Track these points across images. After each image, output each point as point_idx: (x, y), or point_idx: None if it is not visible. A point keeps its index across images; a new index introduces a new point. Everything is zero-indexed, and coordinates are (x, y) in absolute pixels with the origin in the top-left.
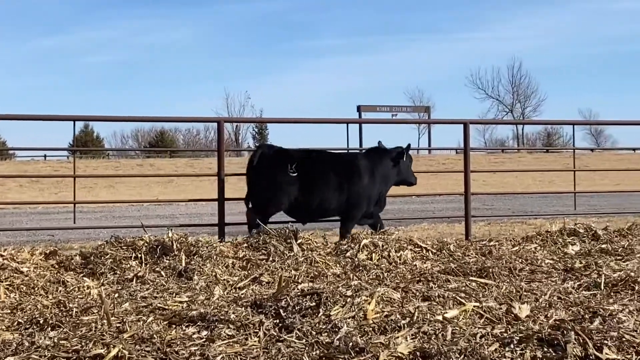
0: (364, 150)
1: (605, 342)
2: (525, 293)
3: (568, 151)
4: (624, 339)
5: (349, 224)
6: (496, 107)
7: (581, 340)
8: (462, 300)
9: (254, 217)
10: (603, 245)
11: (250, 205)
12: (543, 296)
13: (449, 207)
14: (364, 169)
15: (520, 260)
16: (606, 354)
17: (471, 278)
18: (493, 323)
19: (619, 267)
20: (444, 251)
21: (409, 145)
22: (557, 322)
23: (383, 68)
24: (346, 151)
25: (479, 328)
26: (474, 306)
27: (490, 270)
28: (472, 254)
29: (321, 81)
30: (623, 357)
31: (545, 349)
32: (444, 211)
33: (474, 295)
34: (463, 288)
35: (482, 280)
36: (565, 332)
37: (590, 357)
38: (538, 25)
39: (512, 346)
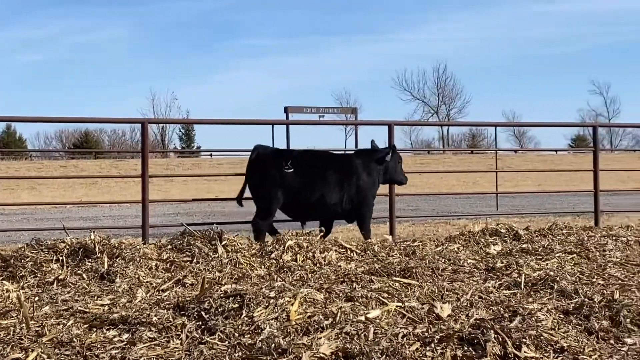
0: (354, 151)
1: (524, 340)
2: (447, 293)
3: (492, 152)
4: (542, 338)
5: (366, 224)
6: (422, 108)
7: (500, 339)
8: (385, 301)
9: (262, 223)
10: (524, 245)
11: (255, 214)
12: (465, 296)
13: (375, 208)
14: (361, 167)
15: (443, 261)
16: (525, 352)
17: (395, 278)
18: (415, 323)
19: (539, 266)
20: (369, 252)
21: (394, 145)
22: (478, 321)
23: (311, 69)
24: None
25: (400, 328)
26: (397, 306)
27: (414, 270)
28: (396, 254)
29: (249, 82)
30: (541, 355)
31: (466, 348)
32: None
33: (396, 295)
34: (386, 288)
35: (406, 281)
36: (485, 331)
37: (510, 356)
38: (464, 28)
39: (432, 345)
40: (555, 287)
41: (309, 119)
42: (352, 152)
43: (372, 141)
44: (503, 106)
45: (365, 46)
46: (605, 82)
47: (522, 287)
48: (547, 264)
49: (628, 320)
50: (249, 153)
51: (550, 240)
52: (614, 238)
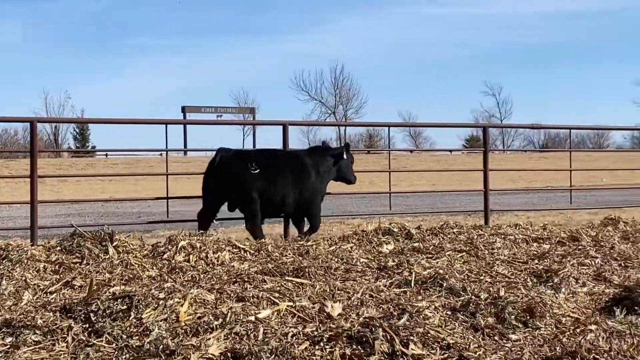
0: (308, 149)
1: (412, 338)
2: (338, 292)
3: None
4: (429, 335)
5: (315, 220)
6: (319, 108)
7: (389, 337)
8: (276, 301)
9: (255, 223)
10: (415, 244)
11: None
12: (355, 294)
13: None
14: (311, 166)
15: (336, 260)
16: (412, 349)
17: (287, 278)
18: (305, 322)
19: (430, 265)
20: (262, 252)
21: (348, 144)
22: (367, 320)
23: (210, 68)
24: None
25: (290, 327)
26: (288, 306)
27: (307, 270)
28: (289, 254)
29: (146, 81)
30: (428, 352)
31: (354, 346)
32: None
33: (288, 295)
34: (278, 288)
35: (298, 280)
36: (373, 329)
37: (397, 353)
38: (362, 29)
39: (322, 344)
40: (445, 285)
41: (207, 118)
42: (305, 150)
43: (324, 142)
44: (400, 107)
45: (263, 46)
46: (498, 83)
47: (413, 285)
48: (437, 263)
49: (513, 316)
50: (147, 153)
51: (441, 239)
52: (503, 236)
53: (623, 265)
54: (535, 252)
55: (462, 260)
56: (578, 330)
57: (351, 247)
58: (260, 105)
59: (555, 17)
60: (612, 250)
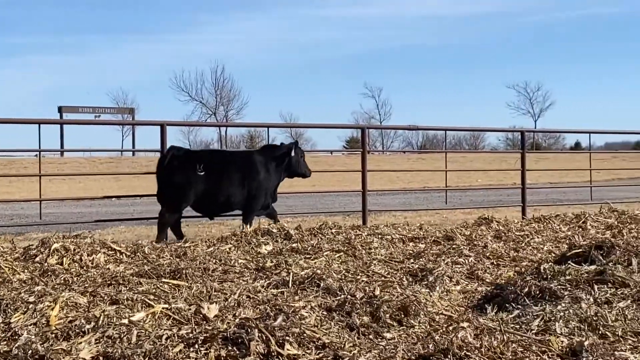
0: (258, 148)
1: (287, 338)
2: (215, 293)
3: None
4: (305, 335)
5: (250, 215)
6: (200, 109)
7: (264, 338)
8: (151, 303)
9: (170, 215)
10: (294, 245)
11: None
12: (233, 295)
13: (150, 210)
14: (260, 165)
15: (214, 261)
16: (287, 349)
17: (164, 280)
18: (181, 324)
19: (307, 265)
20: (139, 254)
21: (297, 142)
22: (242, 321)
23: (88, 68)
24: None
25: (165, 330)
26: (163, 308)
27: (184, 271)
28: (166, 255)
29: (23, 80)
30: (303, 352)
31: (230, 348)
32: (144, 213)
33: (164, 297)
34: (154, 290)
35: (175, 282)
36: (249, 330)
37: (273, 354)
38: (243, 30)
39: (197, 346)
40: (322, 285)
41: (85, 118)
42: (255, 149)
43: (282, 143)
44: (281, 108)
45: (144, 46)
46: (378, 85)
47: (290, 285)
48: (315, 263)
49: (388, 315)
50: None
51: (320, 240)
52: (380, 236)
53: (495, 263)
54: (411, 252)
55: (340, 260)
56: (451, 328)
57: (230, 249)
58: (140, 105)
59: (432, 20)
60: (484, 249)
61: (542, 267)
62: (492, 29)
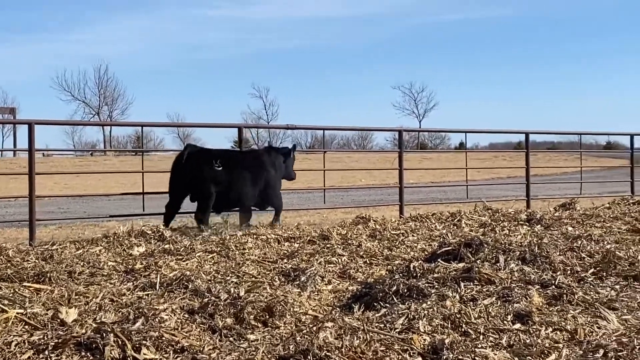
0: (264, 148)
1: (145, 342)
2: (76, 297)
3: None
4: (163, 338)
5: (276, 204)
6: (83, 109)
7: (120, 342)
8: (5, 308)
9: (204, 215)
10: (167, 246)
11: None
12: (95, 299)
13: (14, 212)
14: (269, 164)
15: (82, 264)
16: (144, 354)
17: (26, 284)
18: (35, 330)
19: (179, 266)
20: (2, 256)
21: (295, 145)
22: (99, 325)
23: None
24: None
25: (15, 336)
26: (18, 313)
27: (48, 274)
28: (32, 258)
29: None
30: (161, 356)
31: (84, 353)
32: (16, 215)
33: (20, 302)
34: (11, 295)
35: (37, 286)
36: (105, 334)
37: (129, 358)
38: (129, 29)
39: (47, 352)
40: (190, 286)
41: None
42: (262, 149)
43: (270, 143)
44: (169, 108)
45: (24, 45)
46: (266, 86)
47: (158, 287)
48: (186, 264)
49: (252, 316)
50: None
51: (192, 240)
52: (255, 236)
53: (368, 262)
54: (286, 251)
55: (213, 261)
56: (315, 328)
57: (100, 251)
58: (22, 105)
59: (321, 22)
60: (359, 248)
61: (412, 265)
62: (379, 30)
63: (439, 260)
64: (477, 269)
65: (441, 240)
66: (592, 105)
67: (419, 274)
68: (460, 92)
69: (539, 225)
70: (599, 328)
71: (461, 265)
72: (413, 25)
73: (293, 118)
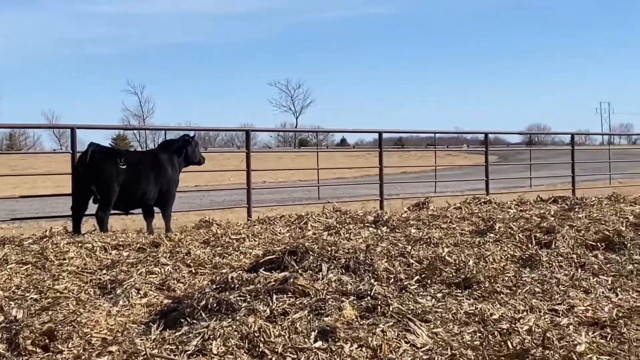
0: (157, 146)
1: None
2: None
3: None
4: None
5: (169, 209)
6: None
7: None
8: None
9: (105, 214)
10: None
11: (97, 206)
12: None
13: None
14: (166, 161)
15: None
16: None
17: None
18: None
19: None
20: None
21: (195, 134)
22: None
23: None
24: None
25: None
26: None
27: None
28: None
29: None
30: None
31: None
32: None
33: None
34: None
35: None
36: None
37: None
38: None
39: None
40: None
41: None
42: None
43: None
44: (45, 106)
45: None
46: (141, 82)
47: None
48: None
49: (29, 341)
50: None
51: (9, 250)
52: (80, 244)
53: (194, 271)
54: (111, 261)
55: (25, 274)
56: (96, 353)
57: None
58: None
59: (200, 19)
60: (187, 256)
61: (229, 276)
62: (257, 27)
63: (261, 269)
64: (292, 280)
65: (266, 248)
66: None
67: (237, 286)
68: (337, 90)
69: (385, 227)
70: (406, 343)
71: (281, 275)
72: (289, 23)
73: (169, 116)
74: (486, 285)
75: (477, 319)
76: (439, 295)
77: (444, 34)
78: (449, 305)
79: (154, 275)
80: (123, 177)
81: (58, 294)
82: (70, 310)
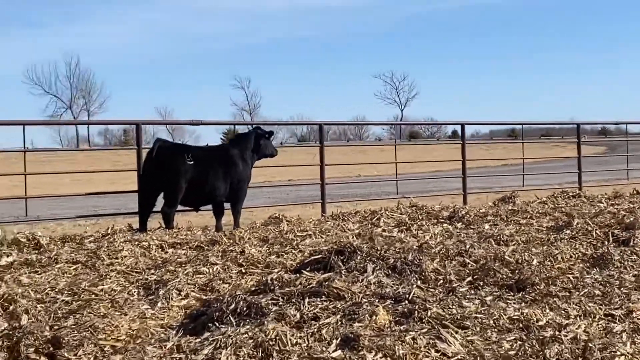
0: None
1: None
2: None
3: None
4: None
5: (239, 205)
6: (55, 103)
7: None
8: None
9: (172, 211)
10: (31, 256)
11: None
12: None
13: None
14: (237, 156)
15: None
16: None
17: None
18: None
19: (30, 280)
20: None
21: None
22: None
23: None
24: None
25: None
26: None
27: None
28: None
29: None
30: None
31: None
32: None
33: None
34: None
35: None
36: None
37: None
38: (113, 23)
39: None
40: (11, 308)
41: None
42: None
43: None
44: (157, 102)
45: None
46: (248, 76)
47: None
48: (41, 278)
49: (32, 349)
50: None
51: (72, 248)
52: (136, 243)
53: (244, 271)
54: (162, 260)
55: (72, 274)
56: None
57: None
58: None
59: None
60: (240, 255)
61: (269, 278)
62: (361, 21)
63: (305, 270)
64: (327, 282)
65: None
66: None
67: (274, 288)
68: (442, 81)
69: (460, 223)
70: (436, 352)
71: (324, 276)
72: (396, 16)
73: (275, 109)
74: (541, 288)
75: (521, 325)
76: (489, 298)
77: (561, 21)
78: (492, 310)
79: (200, 276)
80: (190, 173)
81: (93, 295)
82: (101, 314)
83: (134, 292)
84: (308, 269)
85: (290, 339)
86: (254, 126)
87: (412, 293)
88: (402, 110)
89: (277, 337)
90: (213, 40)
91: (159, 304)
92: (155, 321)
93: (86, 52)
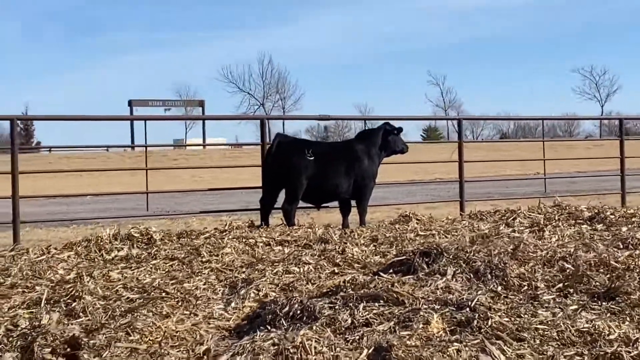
0: (355, 135)
1: None
2: None
3: None
4: None
5: (365, 202)
6: (248, 100)
7: None
8: None
9: (292, 207)
10: (136, 251)
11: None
12: None
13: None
14: (362, 152)
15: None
16: None
17: None
18: None
19: (119, 275)
20: None
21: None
22: None
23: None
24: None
25: None
26: None
27: None
28: None
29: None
30: None
31: None
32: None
33: None
34: None
35: None
36: None
37: None
38: (318, 24)
39: None
40: (75, 304)
41: (155, 112)
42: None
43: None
44: (354, 99)
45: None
46: (442, 73)
47: (43, 304)
48: (134, 273)
49: (49, 350)
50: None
51: (183, 244)
52: (244, 240)
53: (337, 271)
54: (262, 258)
55: (166, 270)
56: None
57: (68, 256)
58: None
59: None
60: (342, 254)
61: (342, 280)
62: (556, 18)
63: (389, 272)
64: (384, 285)
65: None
66: None
67: (348, 289)
68: None
69: (601, 225)
70: None
71: (405, 278)
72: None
73: (478, 104)
74: (634, 297)
75: (588, 339)
76: (572, 307)
77: None
78: (558, 321)
79: (289, 275)
80: (311, 169)
81: (163, 293)
82: (158, 312)
83: (219, 290)
84: (392, 271)
85: (315, 347)
86: (383, 122)
87: (474, 300)
88: (602, 106)
89: (301, 345)
90: (406, 39)
91: (232, 304)
92: (221, 322)
93: (280, 53)
